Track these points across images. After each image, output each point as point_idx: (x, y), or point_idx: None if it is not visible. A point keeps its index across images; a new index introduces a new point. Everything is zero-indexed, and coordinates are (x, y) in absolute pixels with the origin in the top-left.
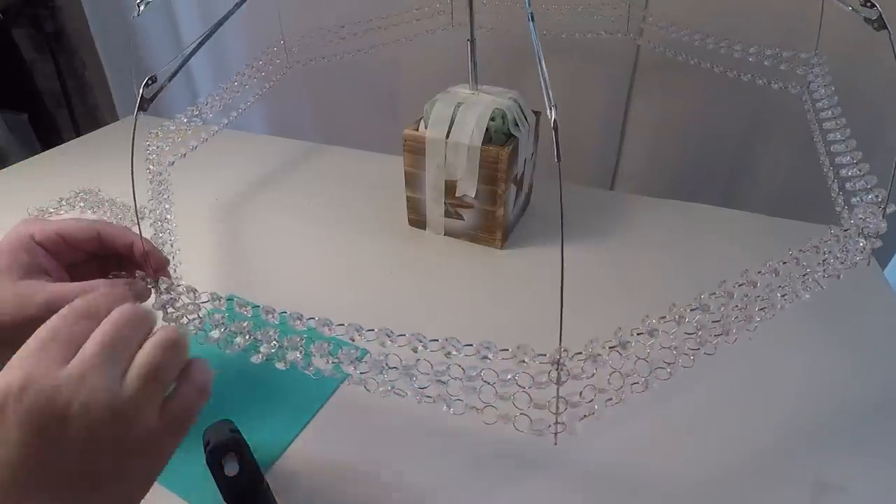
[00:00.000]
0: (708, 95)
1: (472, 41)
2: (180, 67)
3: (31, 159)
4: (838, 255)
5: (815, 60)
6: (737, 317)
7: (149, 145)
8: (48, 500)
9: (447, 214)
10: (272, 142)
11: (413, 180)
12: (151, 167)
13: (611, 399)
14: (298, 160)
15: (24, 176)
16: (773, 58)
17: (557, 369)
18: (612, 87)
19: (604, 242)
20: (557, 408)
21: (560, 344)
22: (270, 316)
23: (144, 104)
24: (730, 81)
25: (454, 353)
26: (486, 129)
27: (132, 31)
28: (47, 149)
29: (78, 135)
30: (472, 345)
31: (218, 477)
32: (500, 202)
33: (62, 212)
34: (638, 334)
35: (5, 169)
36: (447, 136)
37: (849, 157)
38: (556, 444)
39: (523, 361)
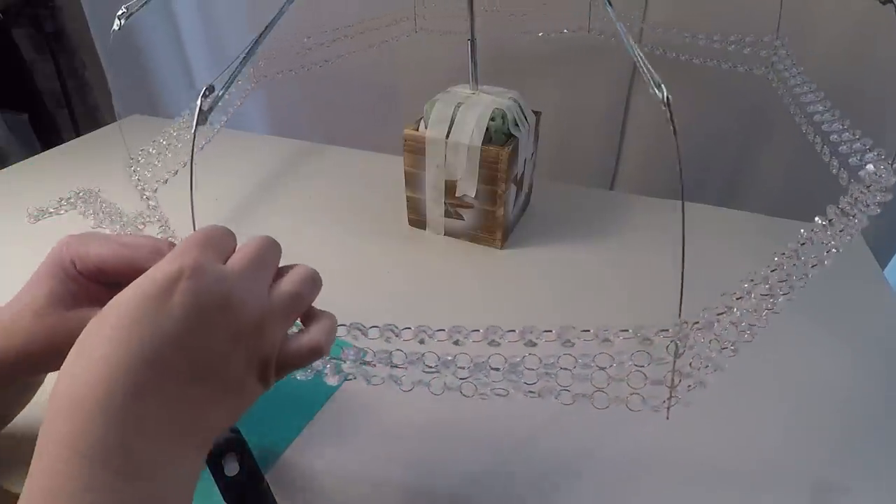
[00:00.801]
0: (707, 96)
1: (473, 41)
2: (232, 79)
3: (31, 159)
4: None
5: (778, 44)
6: (781, 288)
7: (134, 170)
8: (182, 385)
9: (447, 214)
10: (272, 142)
11: (413, 180)
12: (139, 188)
13: (708, 366)
14: (298, 160)
15: (24, 176)
16: (736, 44)
17: (677, 343)
18: (611, 88)
19: (603, 242)
20: (673, 381)
21: (680, 316)
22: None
23: (202, 117)
24: (728, 82)
25: (573, 342)
26: (486, 129)
27: (131, 33)
28: (47, 149)
29: (78, 135)
30: (589, 330)
31: (218, 477)
32: (500, 202)
33: (62, 212)
34: (737, 299)
35: (5, 169)
36: (447, 136)
37: (837, 125)
38: (668, 418)
39: (647, 339)
